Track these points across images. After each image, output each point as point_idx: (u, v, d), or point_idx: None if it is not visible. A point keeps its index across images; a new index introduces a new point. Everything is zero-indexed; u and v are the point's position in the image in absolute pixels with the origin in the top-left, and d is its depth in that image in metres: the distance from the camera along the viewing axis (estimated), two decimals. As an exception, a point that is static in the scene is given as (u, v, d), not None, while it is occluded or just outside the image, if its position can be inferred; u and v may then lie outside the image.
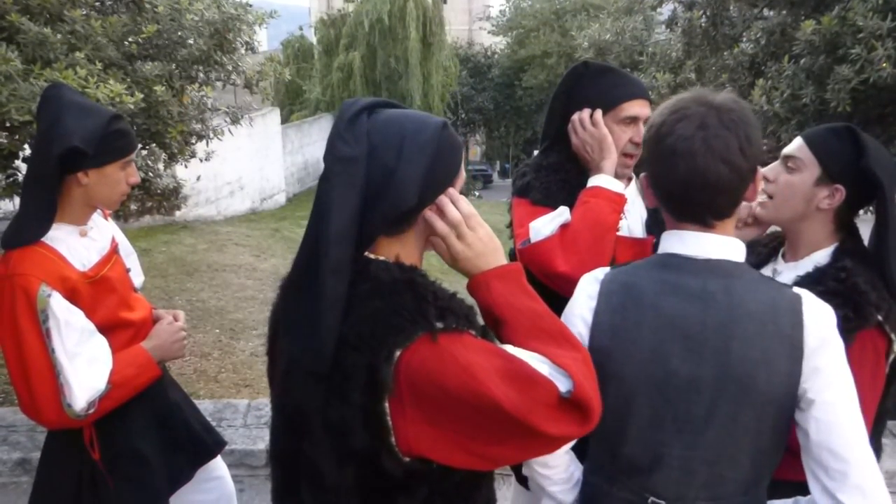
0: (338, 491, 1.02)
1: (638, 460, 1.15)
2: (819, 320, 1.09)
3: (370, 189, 0.99)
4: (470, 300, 1.06)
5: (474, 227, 1.06)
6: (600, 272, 1.23)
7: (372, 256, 1.04)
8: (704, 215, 1.13)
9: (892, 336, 1.30)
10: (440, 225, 1.05)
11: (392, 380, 0.94)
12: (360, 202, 0.98)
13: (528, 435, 0.94)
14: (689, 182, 1.09)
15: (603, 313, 1.16)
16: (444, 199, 1.05)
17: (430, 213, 1.05)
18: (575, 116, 1.75)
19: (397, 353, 0.94)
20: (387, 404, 0.95)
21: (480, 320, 1.06)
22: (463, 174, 1.10)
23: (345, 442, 0.98)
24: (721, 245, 1.13)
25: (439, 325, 0.95)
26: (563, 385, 0.96)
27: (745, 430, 1.09)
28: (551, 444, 1.00)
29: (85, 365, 1.56)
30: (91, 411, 1.57)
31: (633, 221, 1.82)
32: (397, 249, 1.06)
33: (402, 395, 0.95)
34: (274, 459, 1.18)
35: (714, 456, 1.11)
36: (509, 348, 1.00)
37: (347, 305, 0.98)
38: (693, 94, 1.14)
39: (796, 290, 1.13)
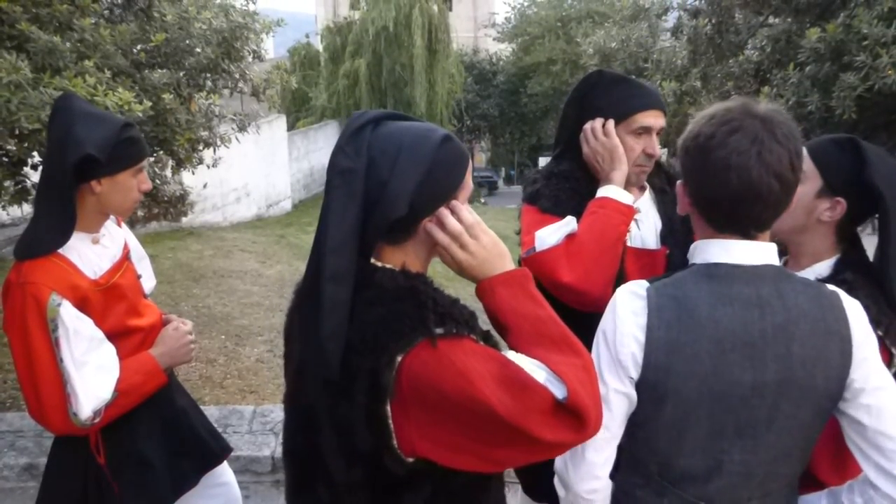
0: (349, 487, 1.06)
1: (694, 470, 1.15)
2: (858, 313, 1.14)
3: (368, 200, 1.02)
4: (473, 306, 1.08)
5: (477, 236, 1.08)
6: (636, 286, 1.18)
7: (378, 264, 1.07)
8: (749, 228, 1.13)
9: (893, 350, 1.28)
10: (441, 236, 1.07)
11: (393, 383, 0.97)
12: (359, 212, 1.02)
13: (524, 439, 0.96)
14: (741, 196, 1.09)
15: (656, 329, 1.12)
16: (443, 212, 1.07)
17: (430, 225, 1.08)
18: (587, 126, 1.73)
19: (399, 358, 0.97)
20: (388, 407, 0.98)
21: (484, 325, 1.08)
22: (469, 184, 1.12)
23: (351, 441, 1.02)
24: (763, 251, 1.15)
25: (439, 330, 0.99)
26: (558, 392, 0.97)
27: (801, 427, 1.13)
28: (551, 450, 1.02)
29: (92, 374, 1.57)
30: (97, 420, 1.58)
31: (647, 232, 1.79)
32: (402, 257, 1.09)
33: (404, 399, 0.98)
34: (287, 457, 1.21)
35: (772, 456, 1.13)
36: (510, 354, 1.02)
37: (353, 311, 1.01)
38: (738, 105, 1.13)
39: (830, 286, 1.16)
